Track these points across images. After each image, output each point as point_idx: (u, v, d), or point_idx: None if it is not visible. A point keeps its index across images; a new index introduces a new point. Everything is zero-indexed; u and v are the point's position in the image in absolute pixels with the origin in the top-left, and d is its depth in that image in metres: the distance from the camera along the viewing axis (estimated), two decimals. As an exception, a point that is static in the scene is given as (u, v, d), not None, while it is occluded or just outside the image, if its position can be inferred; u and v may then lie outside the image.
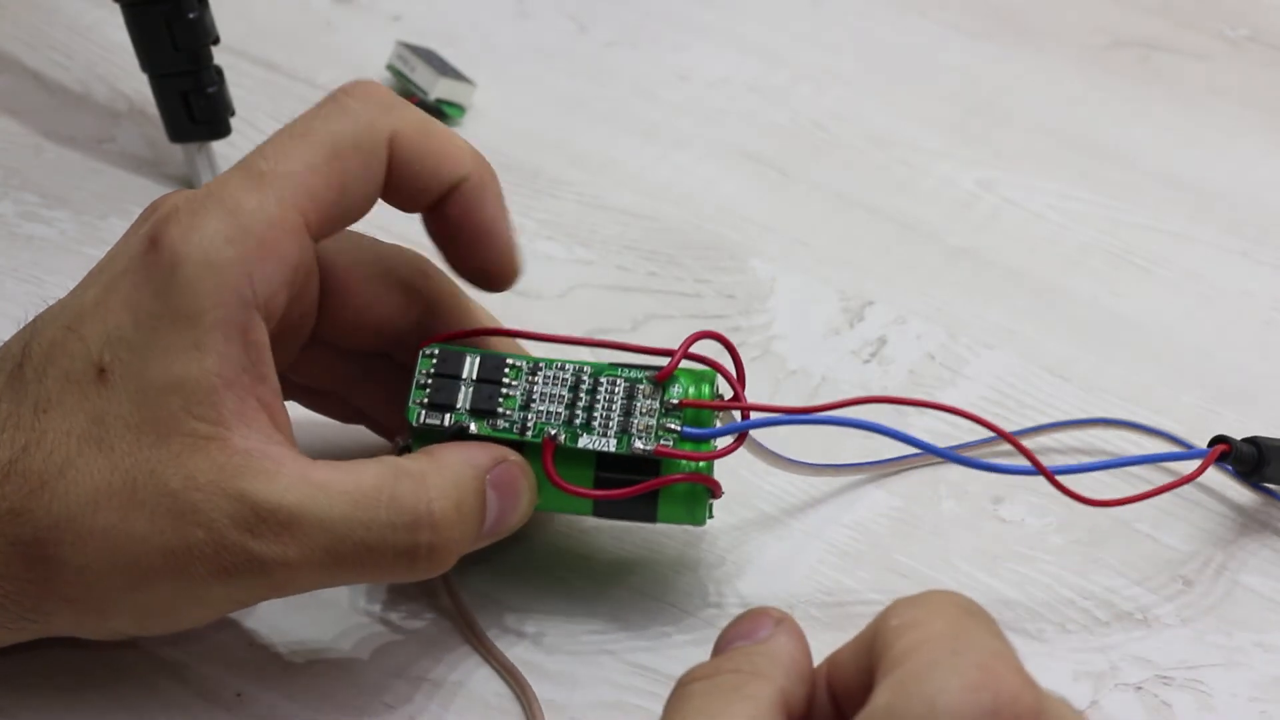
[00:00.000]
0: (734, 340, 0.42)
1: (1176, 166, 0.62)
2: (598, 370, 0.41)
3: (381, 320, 0.43)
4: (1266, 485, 0.48)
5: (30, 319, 0.39)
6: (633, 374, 0.41)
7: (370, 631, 0.43)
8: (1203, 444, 0.48)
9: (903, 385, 0.52)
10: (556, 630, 0.43)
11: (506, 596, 0.44)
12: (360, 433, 0.47)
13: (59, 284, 0.53)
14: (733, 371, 0.42)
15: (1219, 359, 0.53)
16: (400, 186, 0.40)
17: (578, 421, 0.41)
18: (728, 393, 0.42)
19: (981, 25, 0.70)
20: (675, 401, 0.41)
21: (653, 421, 0.40)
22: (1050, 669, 0.43)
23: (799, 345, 0.53)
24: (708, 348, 0.41)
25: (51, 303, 0.40)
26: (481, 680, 0.42)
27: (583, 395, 0.41)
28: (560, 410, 0.41)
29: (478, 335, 0.43)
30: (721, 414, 0.41)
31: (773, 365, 0.52)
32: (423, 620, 0.43)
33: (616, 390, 0.41)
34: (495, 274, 0.42)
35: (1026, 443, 0.41)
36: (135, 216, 0.56)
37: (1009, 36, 0.70)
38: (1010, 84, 0.67)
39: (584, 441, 0.40)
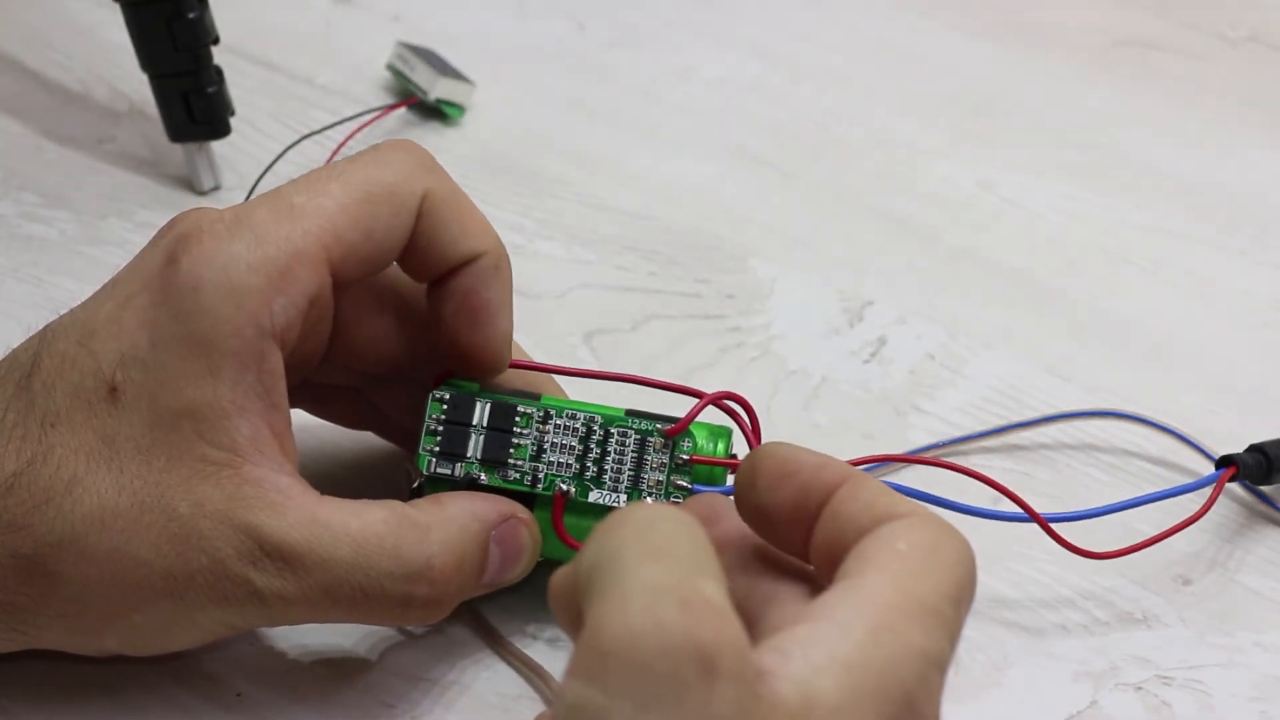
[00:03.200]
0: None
1: (1176, 166, 0.62)
2: (609, 420, 0.41)
3: (391, 350, 0.42)
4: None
5: (39, 327, 0.39)
6: (644, 425, 0.41)
7: (372, 631, 0.43)
8: (1203, 441, 0.48)
9: (903, 385, 0.52)
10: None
11: (520, 604, 0.44)
12: (365, 440, 0.46)
13: (59, 284, 0.53)
14: (749, 424, 0.41)
15: (1219, 359, 0.53)
16: (421, 247, 0.40)
17: (589, 474, 0.41)
18: (743, 449, 0.41)
19: (981, 25, 0.70)
20: (685, 458, 0.41)
21: (663, 478, 0.40)
22: (1050, 669, 0.43)
23: (799, 345, 0.53)
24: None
25: (52, 303, 0.40)
26: (485, 681, 0.42)
27: (593, 446, 0.41)
28: (571, 462, 0.41)
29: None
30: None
31: (773, 365, 0.52)
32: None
33: (628, 443, 0.41)
34: (484, 360, 0.41)
35: (1031, 435, 0.40)
36: (135, 217, 0.57)
37: (1009, 36, 0.70)
38: (1010, 84, 0.67)
39: (594, 496, 0.40)
